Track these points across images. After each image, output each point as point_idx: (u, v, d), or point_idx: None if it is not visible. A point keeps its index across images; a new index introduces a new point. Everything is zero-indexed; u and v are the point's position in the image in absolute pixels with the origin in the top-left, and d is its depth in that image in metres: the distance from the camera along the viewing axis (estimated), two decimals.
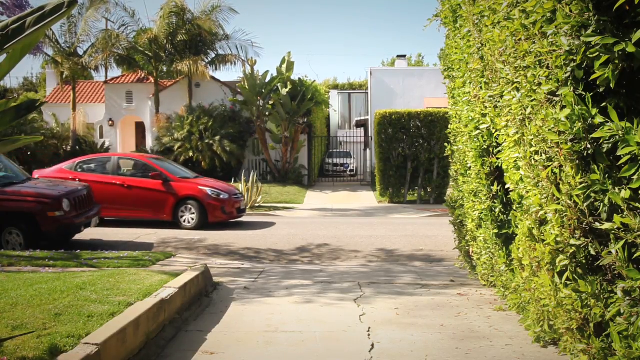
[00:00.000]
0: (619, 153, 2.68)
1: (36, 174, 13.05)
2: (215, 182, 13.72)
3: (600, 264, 3.13)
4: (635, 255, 2.76)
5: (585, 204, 3.12)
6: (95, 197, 11.32)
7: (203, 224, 12.50)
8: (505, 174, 4.58)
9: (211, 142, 21.50)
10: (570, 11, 2.98)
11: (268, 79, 21.75)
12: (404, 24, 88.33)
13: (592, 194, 3.05)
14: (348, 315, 5.44)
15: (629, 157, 2.64)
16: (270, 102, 21.83)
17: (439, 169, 17.06)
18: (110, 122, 25.67)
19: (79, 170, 13.11)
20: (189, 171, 14.64)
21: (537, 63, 3.45)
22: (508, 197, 4.99)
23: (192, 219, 12.46)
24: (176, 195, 12.50)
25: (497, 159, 5.05)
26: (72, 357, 3.50)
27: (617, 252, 2.85)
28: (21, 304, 4.64)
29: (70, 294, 5.03)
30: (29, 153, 20.28)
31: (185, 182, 12.85)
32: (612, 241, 2.93)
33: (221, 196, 12.63)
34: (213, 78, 24.47)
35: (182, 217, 12.52)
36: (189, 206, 12.46)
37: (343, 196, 20.25)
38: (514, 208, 4.68)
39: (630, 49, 2.65)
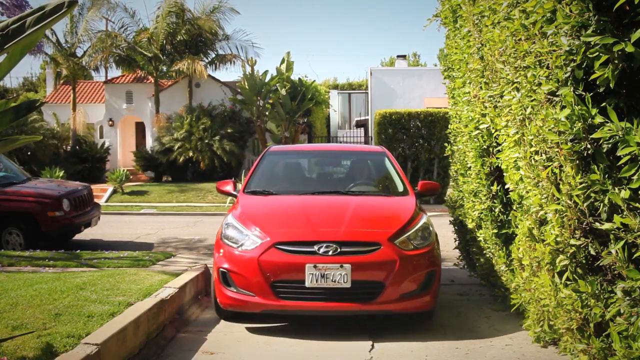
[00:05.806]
0: (618, 153, 2.68)
1: None
2: None
3: (600, 264, 3.13)
4: (635, 255, 2.75)
5: (585, 204, 3.12)
6: None
7: None
8: (505, 174, 4.58)
9: (211, 142, 21.49)
10: (570, 11, 2.97)
11: (268, 78, 21.71)
12: (404, 24, 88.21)
13: (592, 194, 3.05)
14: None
15: (628, 157, 2.64)
16: (270, 102, 21.81)
17: (439, 169, 17.04)
18: (110, 122, 25.63)
19: None
20: None
21: (537, 63, 3.45)
22: (508, 197, 4.99)
23: None
24: None
25: (497, 159, 5.05)
26: (72, 357, 3.50)
27: (617, 252, 2.85)
28: (21, 304, 4.64)
29: (70, 294, 5.03)
30: (29, 153, 20.26)
31: None
32: (612, 241, 2.93)
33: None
34: (213, 78, 24.43)
35: None
36: None
37: None
38: (514, 208, 4.67)
39: (630, 49, 2.65)
